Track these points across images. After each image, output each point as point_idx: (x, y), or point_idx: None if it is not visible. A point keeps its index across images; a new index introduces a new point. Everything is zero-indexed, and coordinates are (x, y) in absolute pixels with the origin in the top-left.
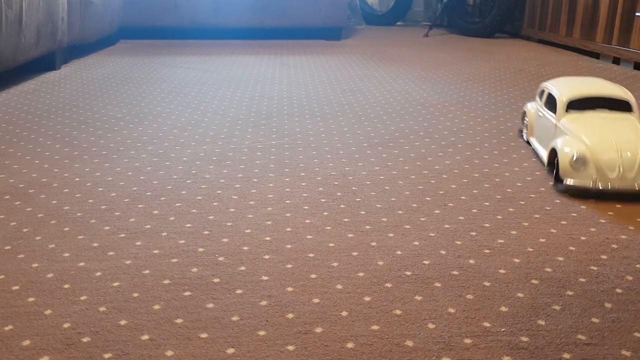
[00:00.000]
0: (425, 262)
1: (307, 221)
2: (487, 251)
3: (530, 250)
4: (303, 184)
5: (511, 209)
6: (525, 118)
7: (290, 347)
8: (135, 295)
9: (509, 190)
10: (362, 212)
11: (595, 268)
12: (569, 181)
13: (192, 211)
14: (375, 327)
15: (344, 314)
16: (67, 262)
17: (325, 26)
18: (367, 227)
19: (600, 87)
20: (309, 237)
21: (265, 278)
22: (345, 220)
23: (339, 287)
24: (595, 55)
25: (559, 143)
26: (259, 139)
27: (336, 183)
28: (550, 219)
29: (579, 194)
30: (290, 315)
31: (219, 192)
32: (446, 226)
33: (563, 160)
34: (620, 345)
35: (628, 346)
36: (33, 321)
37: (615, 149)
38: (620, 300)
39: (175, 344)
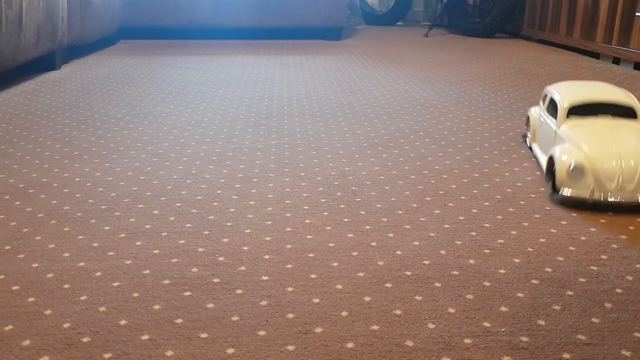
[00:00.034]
0: (425, 262)
1: (307, 221)
2: (487, 251)
3: (530, 250)
4: (303, 184)
5: (511, 209)
6: (529, 123)
7: (290, 347)
8: (135, 295)
9: (509, 190)
10: (362, 212)
11: (595, 268)
12: (566, 191)
13: (192, 211)
14: (375, 327)
15: (344, 314)
16: (67, 262)
17: (325, 26)
18: (367, 227)
19: (604, 92)
20: (309, 237)
21: (265, 278)
22: (345, 220)
23: (339, 287)
24: (595, 55)
25: (557, 151)
26: (259, 139)
27: (336, 183)
28: (550, 219)
29: (576, 205)
30: (290, 315)
31: (219, 192)
32: (446, 226)
33: (560, 169)
34: (620, 345)
35: (628, 346)
36: (33, 321)
37: (616, 158)
38: (620, 300)
39: (175, 344)
